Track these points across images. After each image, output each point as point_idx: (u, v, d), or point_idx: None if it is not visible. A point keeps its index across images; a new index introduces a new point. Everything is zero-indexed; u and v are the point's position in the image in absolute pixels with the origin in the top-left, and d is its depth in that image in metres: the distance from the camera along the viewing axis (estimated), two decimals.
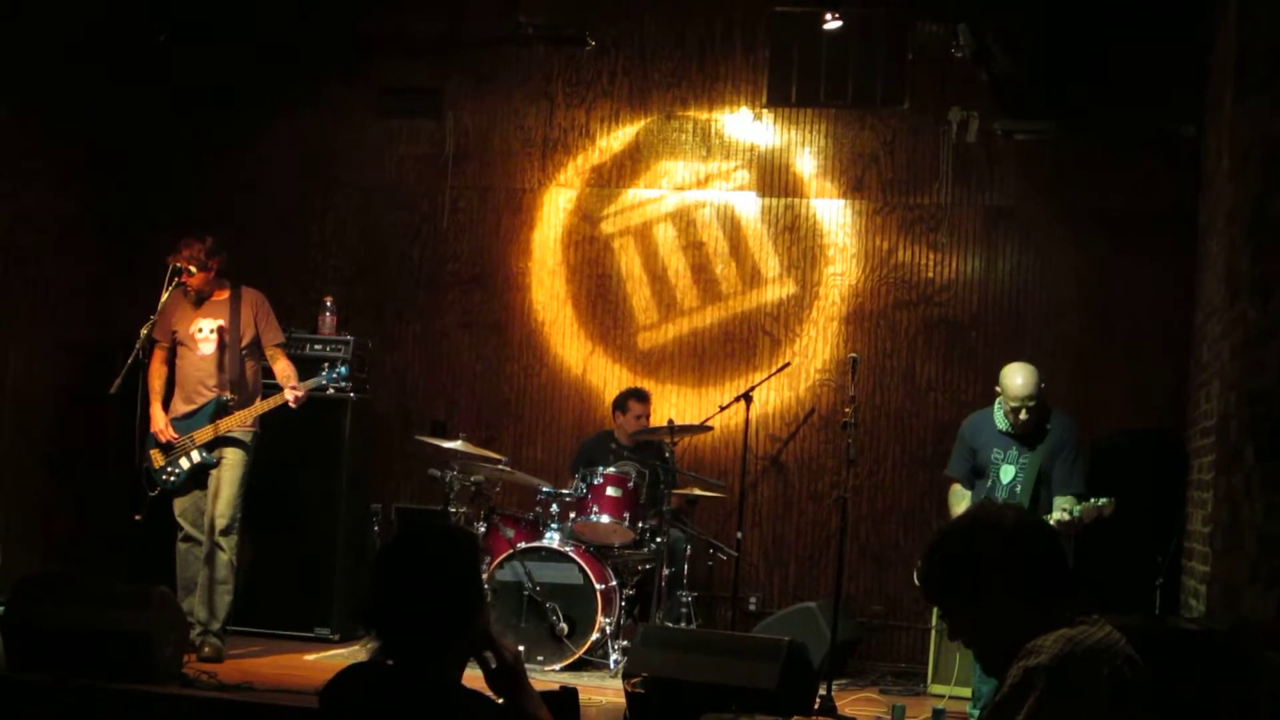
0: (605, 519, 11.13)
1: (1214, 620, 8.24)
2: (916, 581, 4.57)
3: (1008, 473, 9.84)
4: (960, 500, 10.08)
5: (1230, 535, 8.06)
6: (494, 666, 4.32)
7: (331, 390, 11.20)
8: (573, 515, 11.26)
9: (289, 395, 10.64)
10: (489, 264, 13.54)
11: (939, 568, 4.34)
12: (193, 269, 10.58)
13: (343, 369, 11.01)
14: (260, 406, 10.72)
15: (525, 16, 12.97)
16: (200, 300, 10.79)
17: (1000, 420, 9.81)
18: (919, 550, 4.46)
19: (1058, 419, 9.84)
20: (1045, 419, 9.79)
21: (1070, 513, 9.31)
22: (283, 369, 10.90)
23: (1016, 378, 9.68)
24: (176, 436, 10.58)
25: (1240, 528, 7.81)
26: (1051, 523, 9.06)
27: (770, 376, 12.64)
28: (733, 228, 13.11)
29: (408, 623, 4.19)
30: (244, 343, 10.81)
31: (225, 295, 10.87)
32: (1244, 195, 8.42)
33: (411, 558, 4.32)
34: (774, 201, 13.06)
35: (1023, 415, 9.65)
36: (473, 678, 4.24)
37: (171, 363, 10.82)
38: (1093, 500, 9.37)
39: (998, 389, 9.80)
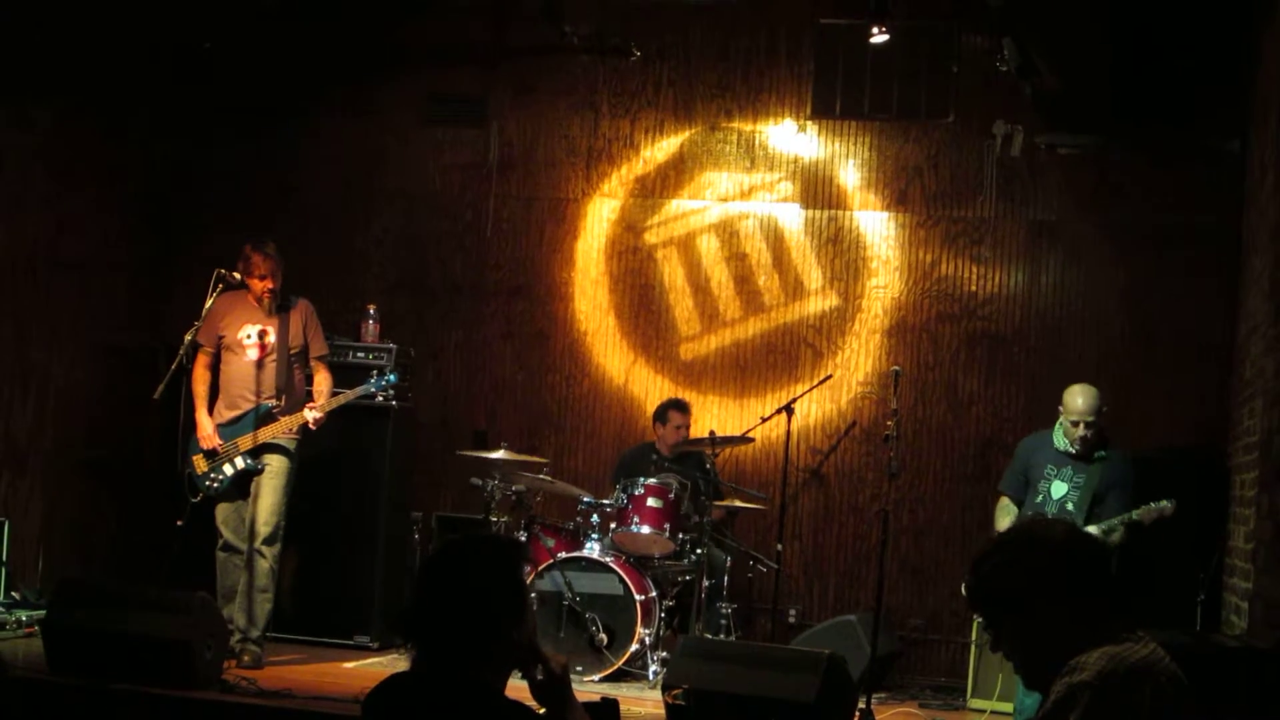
0: (646, 529, 11.13)
1: (1256, 638, 8.21)
2: (964, 593, 4.54)
3: (1059, 489, 9.95)
4: (1006, 514, 10.19)
5: (1273, 552, 8.03)
6: (541, 678, 4.32)
7: (380, 398, 11.23)
8: (613, 525, 11.26)
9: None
10: (532, 273, 13.56)
11: (987, 578, 4.32)
12: (275, 273, 10.69)
13: (392, 376, 11.08)
14: (289, 421, 10.72)
15: (570, 26, 12.94)
16: (277, 306, 10.83)
17: (1060, 440, 9.98)
18: (966, 561, 4.43)
19: (1119, 455, 10.01)
20: (1103, 442, 9.93)
21: (1101, 530, 9.51)
22: (321, 382, 10.95)
23: (1079, 398, 9.97)
24: (221, 443, 10.60)
25: None
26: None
27: (812, 389, 12.62)
28: (776, 239, 13.10)
29: (449, 631, 4.19)
30: (292, 351, 10.84)
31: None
32: None
33: (455, 565, 4.32)
34: (817, 213, 13.04)
35: (1081, 431, 9.83)
36: (516, 688, 4.24)
37: (215, 368, 10.84)
38: (1152, 504, 9.55)
39: (1060, 408, 9.94)
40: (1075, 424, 9.87)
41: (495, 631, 4.20)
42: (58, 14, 11.97)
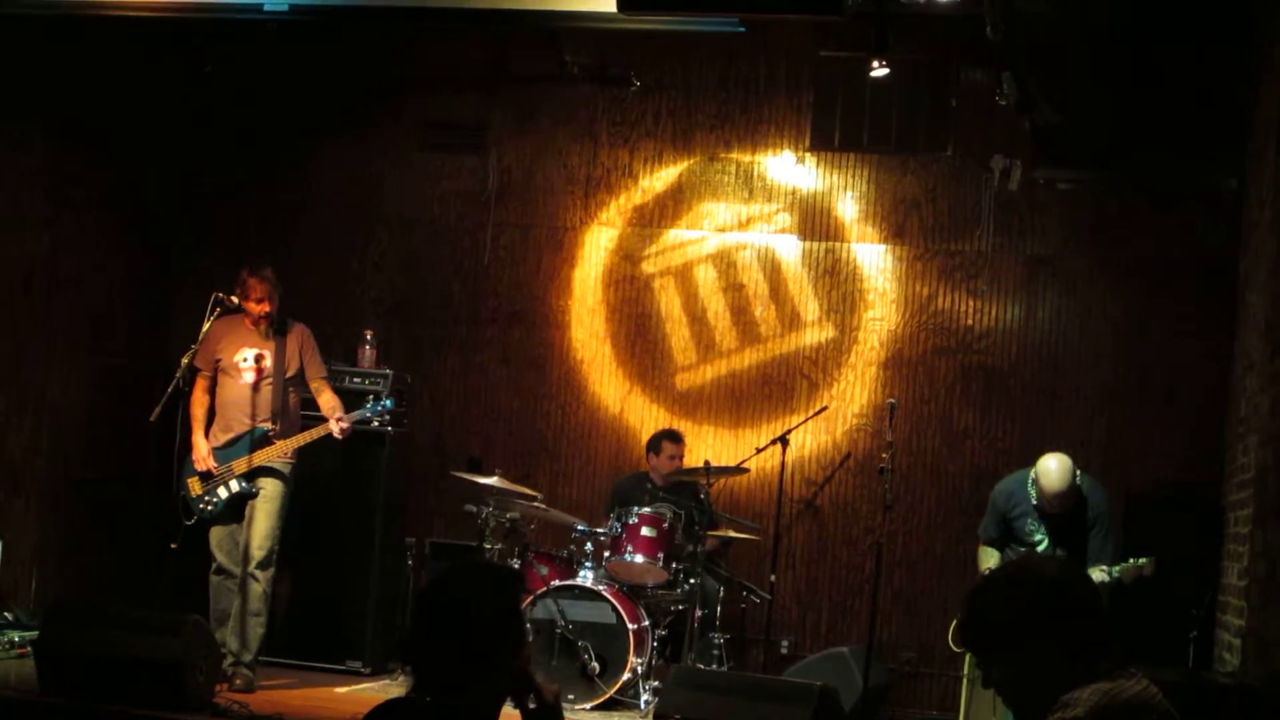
0: (639, 559, 11.12)
1: (1249, 675, 8.21)
2: (951, 638, 4.54)
3: (1039, 538, 9.93)
4: (988, 559, 10.19)
5: (1267, 590, 8.04)
6: (533, 707, 4.32)
7: (376, 423, 11.25)
8: (607, 554, 11.25)
9: (334, 427, 10.66)
10: (529, 301, 13.56)
11: (980, 614, 4.31)
12: (272, 296, 10.72)
13: (388, 401, 11.06)
14: (302, 438, 10.73)
15: (570, 55, 12.97)
16: (274, 330, 10.84)
17: (1034, 496, 9.89)
18: (960, 595, 4.42)
19: (1093, 491, 9.96)
20: (1079, 501, 9.88)
21: (1109, 574, 9.45)
22: (328, 401, 10.94)
23: (1053, 476, 9.85)
24: (216, 466, 10.60)
25: (1277, 582, 7.78)
26: None
27: (807, 420, 12.63)
28: (773, 270, 13.11)
29: (447, 659, 4.18)
30: (288, 374, 10.85)
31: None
32: None
33: (455, 594, 4.31)
34: (815, 245, 13.05)
35: (1055, 507, 9.75)
36: (508, 716, 4.24)
37: (213, 392, 10.84)
38: (1131, 560, 9.53)
39: (1033, 473, 9.91)
40: (1050, 502, 9.84)
41: (493, 661, 4.19)
42: (55, 35, 11.98)
